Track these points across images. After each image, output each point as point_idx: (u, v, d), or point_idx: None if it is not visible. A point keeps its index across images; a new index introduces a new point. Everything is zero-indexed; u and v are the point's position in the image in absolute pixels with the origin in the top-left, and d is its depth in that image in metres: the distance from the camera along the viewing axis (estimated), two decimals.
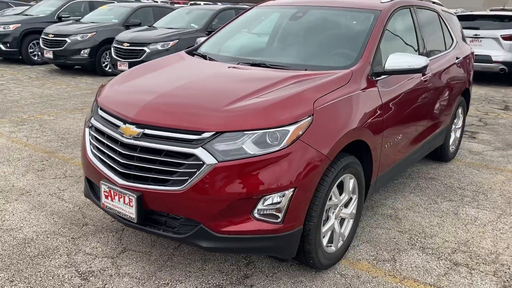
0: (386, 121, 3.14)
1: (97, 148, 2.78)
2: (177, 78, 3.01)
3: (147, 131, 2.48)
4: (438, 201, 4.02)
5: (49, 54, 10.33)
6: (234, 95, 2.58)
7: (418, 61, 3.11)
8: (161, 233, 2.52)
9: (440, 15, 4.58)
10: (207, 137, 2.35)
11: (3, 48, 11.47)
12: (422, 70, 3.16)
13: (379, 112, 3.04)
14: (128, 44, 9.06)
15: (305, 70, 3.06)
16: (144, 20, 11.30)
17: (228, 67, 3.18)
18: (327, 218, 2.81)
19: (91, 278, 2.70)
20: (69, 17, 12.14)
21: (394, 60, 3.10)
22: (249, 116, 2.41)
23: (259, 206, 2.38)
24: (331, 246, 2.88)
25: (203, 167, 2.31)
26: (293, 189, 2.38)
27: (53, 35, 10.28)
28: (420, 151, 4.02)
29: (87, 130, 2.92)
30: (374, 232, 3.42)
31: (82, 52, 10.13)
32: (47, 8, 12.55)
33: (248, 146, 2.34)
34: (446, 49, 4.55)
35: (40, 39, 10.70)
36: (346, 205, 2.99)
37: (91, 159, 2.78)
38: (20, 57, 11.70)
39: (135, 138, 2.49)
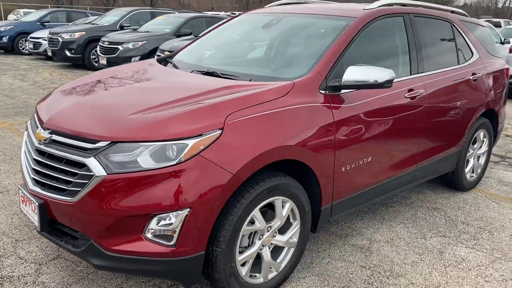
0: (341, 141, 2.78)
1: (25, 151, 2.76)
2: (111, 86, 2.91)
3: (54, 137, 2.39)
4: (427, 236, 3.51)
5: (103, 61, 10.86)
6: (146, 105, 2.41)
7: (380, 75, 2.73)
8: (62, 245, 2.40)
9: (455, 26, 4.05)
10: (102, 147, 2.20)
11: (68, 54, 12.28)
12: (385, 85, 2.76)
13: (329, 130, 2.69)
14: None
15: (250, 80, 2.81)
16: (197, 30, 11.51)
17: (174, 76, 3.03)
18: (250, 245, 2.52)
19: (6, 283, 2.66)
20: (130, 26, 12.72)
21: (353, 73, 2.75)
22: (146, 127, 2.22)
23: (152, 225, 2.18)
24: (256, 276, 2.58)
25: (92, 179, 2.17)
26: (187, 209, 2.15)
27: (108, 43, 10.80)
28: (409, 177, 3.55)
29: (25, 133, 2.92)
30: (333, 264, 3.05)
31: (132, 59, 10.53)
32: (112, 18, 13.28)
33: (144, 159, 2.15)
34: (458, 64, 4.01)
35: (98, 46, 11.30)
36: (282, 231, 2.67)
37: (21, 162, 2.76)
38: (83, 63, 12.45)
39: (44, 144, 2.42)
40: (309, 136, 2.57)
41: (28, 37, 14.60)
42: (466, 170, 4.34)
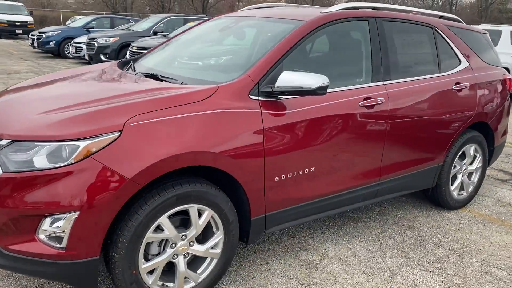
0: (273, 150, 2.64)
1: None
2: (49, 85, 2.95)
3: None
4: (387, 255, 3.27)
5: None
6: (58, 105, 2.40)
7: (311, 81, 2.58)
8: None
9: (438, 31, 3.77)
10: (3, 145, 2.21)
11: (103, 58, 12.75)
12: (317, 92, 2.61)
13: (256, 137, 2.57)
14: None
15: (181, 83, 2.74)
16: None
17: (114, 78, 3.02)
18: (160, 252, 2.44)
19: None
20: (162, 32, 13.02)
21: (287, 79, 2.61)
22: (44, 126, 2.21)
23: (44, 226, 2.16)
24: (168, 286, 2.49)
25: None
26: (76, 212, 2.11)
27: (136, 48, 11.10)
28: (369, 191, 3.32)
29: None
30: (270, 279, 2.90)
31: None
32: (147, 24, 13.67)
33: (39, 159, 2.14)
34: (440, 72, 3.72)
35: (128, 51, 11.65)
36: (202, 240, 2.57)
37: None
38: None
39: None
40: (229, 143, 2.46)
41: (72, 42, 15.30)
42: (452, 187, 4.02)
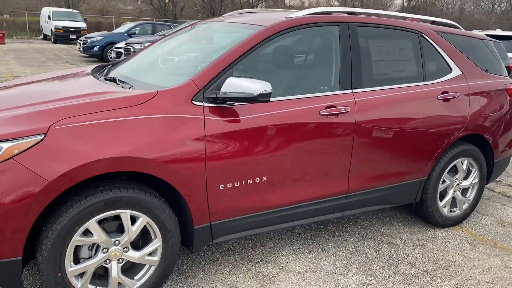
0: (216, 157, 2.58)
1: None
2: (15, 87, 3.04)
3: None
4: (351, 273, 3.10)
5: None
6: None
7: (254, 87, 2.50)
8: None
9: (426, 37, 3.55)
10: None
11: None
12: (259, 99, 2.53)
13: (197, 144, 2.52)
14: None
15: (130, 87, 2.74)
16: None
17: (76, 83, 3.08)
18: (91, 257, 2.44)
19: None
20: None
21: (231, 85, 2.55)
22: None
23: None
24: None
25: None
26: None
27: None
28: (334, 204, 3.17)
29: None
30: None
31: None
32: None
33: None
34: (424, 81, 3.50)
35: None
36: (137, 247, 2.55)
37: None
38: None
39: None
40: (163, 149, 2.42)
41: (113, 47, 15.89)
42: (441, 203, 3.76)
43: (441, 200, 3.78)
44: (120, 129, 2.34)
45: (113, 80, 2.97)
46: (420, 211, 3.79)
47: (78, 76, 3.24)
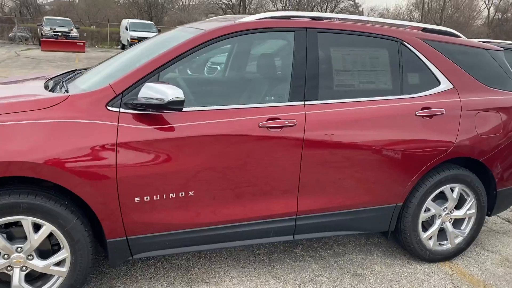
0: (129, 167, 2.44)
1: None
2: None
3: None
4: None
5: None
6: None
7: (165, 94, 2.33)
8: None
9: (408, 46, 3.14)
10: None
11: None
12: (169, 107, 2.35)
13: (105, 152, 2.39)
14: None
15: (66, 92, 2.69)
16: None
17: (17, 85, 3.10)
18: None
19: None
20: None
21: (147, 91, 2.40)
22: None
23: None
24: None
25: None
26: None
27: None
28: (280, 226, 2.87)
29: None
30: None
31: None
32: None
33: None
34: (402, 94, 3.10)
35: None
36: (44, 256, 2.47)
37: None
38: None
39: None
40: (64, 154, 2.32)
41: None
42: (425, 234, 3.29)
43: (425, 230, 3.31)
44: (12, 132, 2.27)
45: (58, 84, 2.94)
46: (400, 242, 3.35)
47: (36, 79, 3.26)
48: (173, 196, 2.57)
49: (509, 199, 3.56)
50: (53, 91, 2.76)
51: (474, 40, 3.55)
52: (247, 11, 40.60)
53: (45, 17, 28.60)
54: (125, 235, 2.55)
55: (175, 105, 2.35)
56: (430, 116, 3.09)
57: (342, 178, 2.93)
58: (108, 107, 2.45)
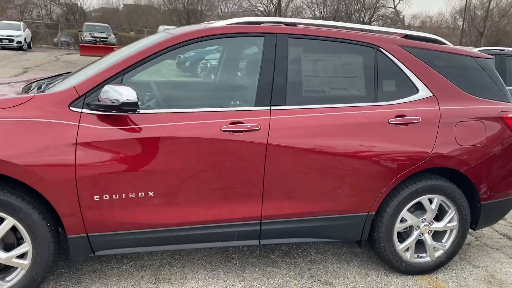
0: (88, 167, 2.52)
1: None
2: None
3: None
4: None
5: None
6: None
7: (120, 95, 2.41)
8: None
9: (384, 52, 3.08)
10: None
11: None
12: (122, 109, 2.43)
13: (66, 150, 2.48)
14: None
15: (42, 90, 2.82)
16: None
17: None
18: None
19: None
20: None
21: (106, 92, 2.49)
22: None
23: None
24: None
25: None
26: None
27: None
28: (243, 229, 2.88)
29: None
30: None
31: None
32: None
33: None
34: (376, 101, 3.05)
35: None
36: (10, 248, 2.58)
37: None
38: None
39: None
40: (26, 152, 2.43)
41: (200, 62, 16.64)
42: (401, 245, 3.21)
43: (401, 241, 3.23)
44: None
45: (38, 87, 3.07)
46: (375, 252, 3.28)
47: (20, 82, 3.42)
48: (132, 196, 2.64)
49: (495, 213, 3.42)
50: (27, 93, 2.89)
51: (461, 48, 3.44)
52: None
53: (85, 23, 29.74)
54: (86, 232, 2.64)
55: (129, 107, 2.42)
56: (405, 124, 3.02)
57: (308, 184, 2.91)
58: (71, 108, 2.55)
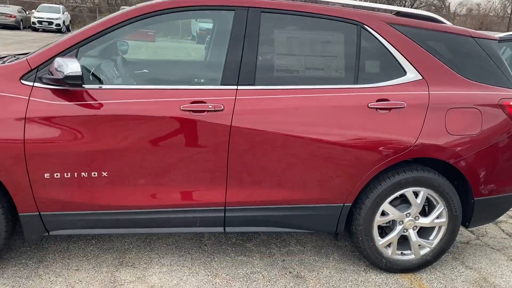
0: (40, 143, 2.43)
1: None
2: None
3: None
4: None
5: None
6: None
7: (65, 68, 2.30)
8: None
9: (369, 30, 2.81)
10: None
11: None
12: (66, 82, 2.31)
13: (15, 125, 2.39)
14: None
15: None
16: None
17: None
18: None
19: None
20: None
21: (55, 65, 2.38)
22: None
23: None
24: None
25: None
26: None
27: None
28: (207, 216, 2.73)
29: None
30: (47, 284, 2.67)
31: None
32: None
33: None
34: (356, 83, 2.80)
35: None
36: None
37: None
38: None
39: None
40: None
41: None
42: (382, 240, 2.97)
43: (382, 236, 2.99)
44: None
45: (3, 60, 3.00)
46: (355, 247, 3.06)
47: None
48: (85, 176, 2.53)
49: (491, 211, 3.11)
50: None
51: (459, 27, 3.12)
52: None
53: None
54: (38, 210, 2.55)
55: (72, 80, 2.30)
56: (387, 109, 2.76)
57: (277, 171, 2.71)
58: (22, 81, 2.45)
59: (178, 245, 3.21)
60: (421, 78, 2.85)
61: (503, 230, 3.90)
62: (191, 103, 2.55)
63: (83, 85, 2.39)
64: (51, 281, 2.68)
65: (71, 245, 3.11)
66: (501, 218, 4.05)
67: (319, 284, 2.87)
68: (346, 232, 3.04)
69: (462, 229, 3.77)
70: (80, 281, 2.72)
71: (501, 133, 2.95)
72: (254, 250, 3.23)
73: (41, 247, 3.05)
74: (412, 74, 2.85)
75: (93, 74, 2.68)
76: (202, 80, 2.73)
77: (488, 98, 2.93)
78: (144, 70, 3.07)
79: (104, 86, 2.54)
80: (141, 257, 3.03)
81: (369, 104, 2.73)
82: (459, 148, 2.86)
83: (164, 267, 2.92)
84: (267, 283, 2.84)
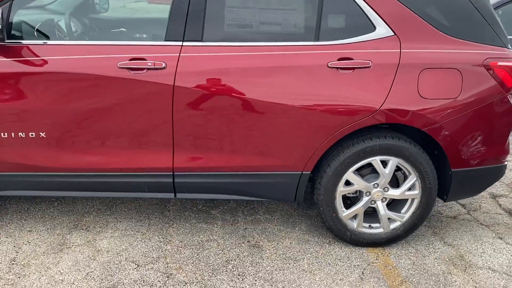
0: None
1: None
2: None
3: None
4: (152, 266, 2.55)
5: None
6: None
7: None
8: None
9: None
10: None
11: None
12: None
13: None
14: None
15: None
16: None
17: None
18: None
19: None
20: None
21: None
22: None
23: None
24: None
25: None
26: None
27: None
28: (156, 181, 2.61)
29: None
30: None
31: None
32: None
33: None
34: (317, 40, 2.53)
35: None
36: None
37: None
38: None
39: None
40: None
41: None
42: (347, 212, 2.76)
43: (347, 207, 2.78)
44: None
45: None
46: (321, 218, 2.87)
47: None
48: (22, 136, 2.45)
49: (471, 184, 2.81)
50: None
51: None
52: None
53: None
54: None
55: None
56: (350, 69, 2.50)
57: (226, 135, 2.53)
58: None
59: (139, 210, 3.13)
60: (393, 34, 2.55)
61: (500, 205, 3.57)
62: (129, 60, 2.38)
63: (5, 40, 2.26)
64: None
65: (32, 206, 3.09)
66: (501, 191, 3.73)
67: (275, 255, 2.72)
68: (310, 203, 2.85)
69: (452, 202, 3.50)
70: (29, 242, 2.69)
71: (486, 98, 2.62)
72: (218, 217, 3.10)
73: (2, 207, 3.04)
74: (382, 30, 2.55)
75: (37, 30, 2.56)
76: (144, 36, 2.55)
77: (471, 57, 2.59)
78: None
79: (40, 42, 2.41)
80: (98, 220, 2.97)
81: (329, 63, 2.47)
82: (433, 114, 2.57)
83: (118, 232, 2.86)
84: (220, 251, 2.72)
